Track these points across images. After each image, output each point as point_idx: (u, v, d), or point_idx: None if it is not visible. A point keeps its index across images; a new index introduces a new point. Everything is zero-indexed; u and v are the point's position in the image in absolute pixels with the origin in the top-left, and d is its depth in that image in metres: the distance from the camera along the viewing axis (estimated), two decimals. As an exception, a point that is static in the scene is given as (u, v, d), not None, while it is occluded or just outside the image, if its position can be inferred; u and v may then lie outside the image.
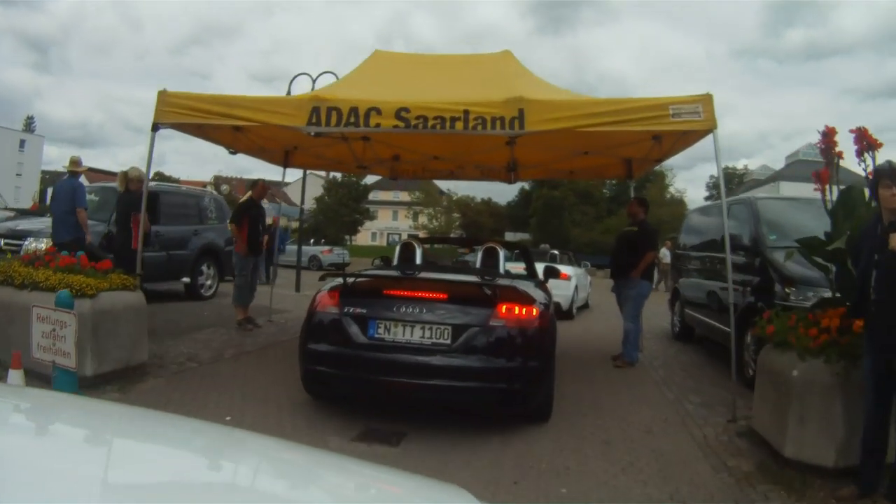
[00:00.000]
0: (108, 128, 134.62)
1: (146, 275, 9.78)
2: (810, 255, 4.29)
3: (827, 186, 4.19)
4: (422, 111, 4.73)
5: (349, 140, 6.95)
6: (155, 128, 5.90)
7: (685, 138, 5.80)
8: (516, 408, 4.29)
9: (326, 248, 27.35)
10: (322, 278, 4.78)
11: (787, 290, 5.51)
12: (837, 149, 4.17)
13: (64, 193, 7.37)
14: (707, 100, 4.79)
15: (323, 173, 55.83)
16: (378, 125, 4.82)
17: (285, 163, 8.73)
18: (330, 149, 7.67)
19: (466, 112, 4.67)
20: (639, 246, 6.78)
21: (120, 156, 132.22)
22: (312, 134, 5.10)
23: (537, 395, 4.30)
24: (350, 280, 4.42)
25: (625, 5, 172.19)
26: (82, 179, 7.77)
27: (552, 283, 10.40)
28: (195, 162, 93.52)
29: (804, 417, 3.65)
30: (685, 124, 4.75)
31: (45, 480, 0.93)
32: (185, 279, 10.67)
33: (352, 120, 4.88)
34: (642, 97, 4.81)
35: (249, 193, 8.40)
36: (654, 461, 3.90)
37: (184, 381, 5.35)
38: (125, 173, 7.54)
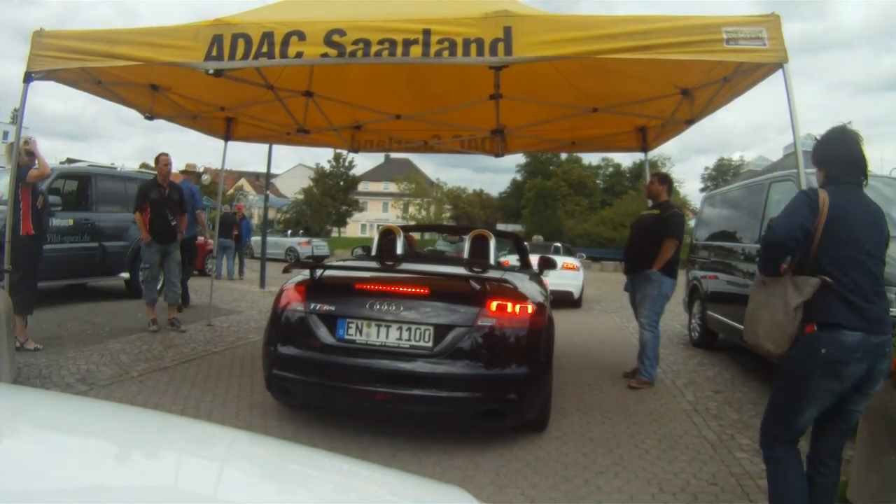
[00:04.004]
0: (100, 121, 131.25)
1: (74, 271, 8.63)
2: None
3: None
4: (362, 33, 3.22)
5: (276, 90, 5.36)
6: (27, 78, 4.51)
7: (731, 86, 4.33)
8: (510, 421, 3.72)
9: (304, 239, 25.83)
10: (286, 270, 4.27)
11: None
12: None
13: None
14: (774, 22, 3.33)
15: (313, 164, 54.52)
16: (300, 54, 3.32)
17: (227, 134, 7.22)
18: (268, 110, 6.09)
19: (427, 32, 3.16)
20: (658, 233, 5.34)
21: (113, 149, 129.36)
22: (210, 72, 3.61)
23: (534, 405, 3.74)
24: (318, 273, 3.95)
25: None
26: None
27: (562, 274, 10.65)
28: (190, 154, 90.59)
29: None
30: (745, 54, 3.28)
31: (39, 480, 0.94)
32: (124, 275, 9.29)
33: (264, 50, 3.40)
34: (685, 15, 3.31)
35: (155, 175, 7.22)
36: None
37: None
38: (11, 144, 6.17)
